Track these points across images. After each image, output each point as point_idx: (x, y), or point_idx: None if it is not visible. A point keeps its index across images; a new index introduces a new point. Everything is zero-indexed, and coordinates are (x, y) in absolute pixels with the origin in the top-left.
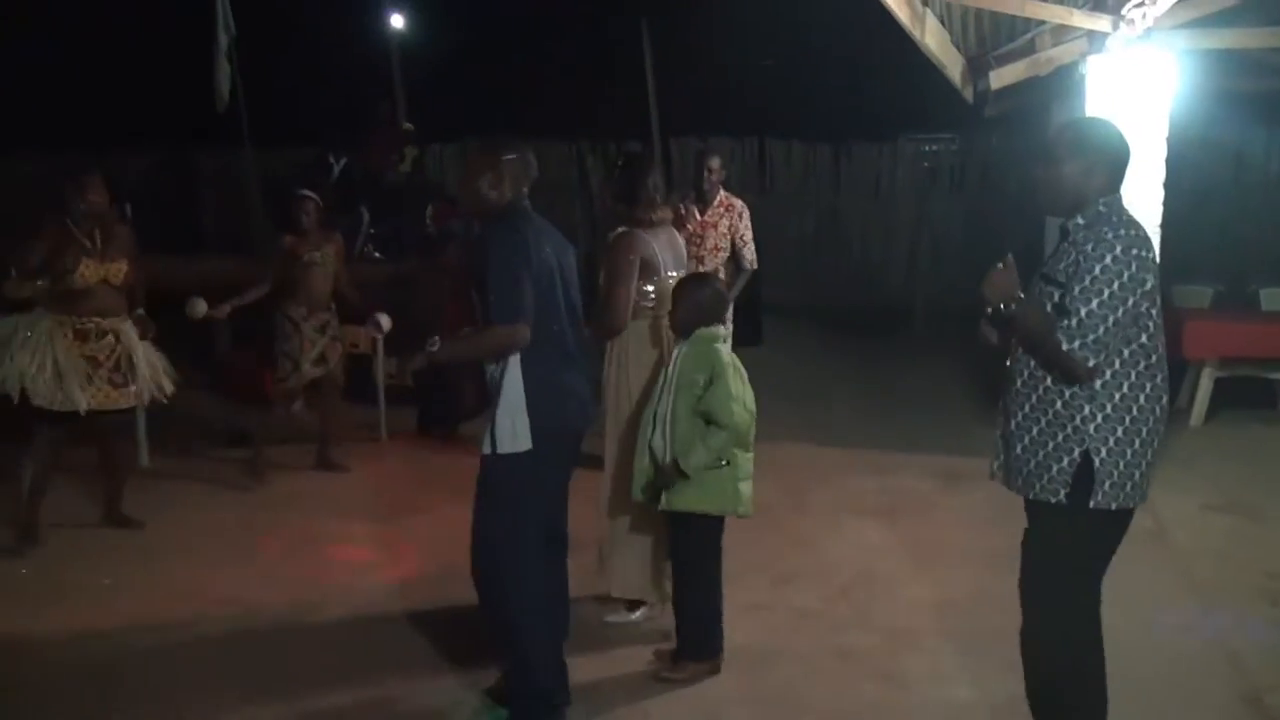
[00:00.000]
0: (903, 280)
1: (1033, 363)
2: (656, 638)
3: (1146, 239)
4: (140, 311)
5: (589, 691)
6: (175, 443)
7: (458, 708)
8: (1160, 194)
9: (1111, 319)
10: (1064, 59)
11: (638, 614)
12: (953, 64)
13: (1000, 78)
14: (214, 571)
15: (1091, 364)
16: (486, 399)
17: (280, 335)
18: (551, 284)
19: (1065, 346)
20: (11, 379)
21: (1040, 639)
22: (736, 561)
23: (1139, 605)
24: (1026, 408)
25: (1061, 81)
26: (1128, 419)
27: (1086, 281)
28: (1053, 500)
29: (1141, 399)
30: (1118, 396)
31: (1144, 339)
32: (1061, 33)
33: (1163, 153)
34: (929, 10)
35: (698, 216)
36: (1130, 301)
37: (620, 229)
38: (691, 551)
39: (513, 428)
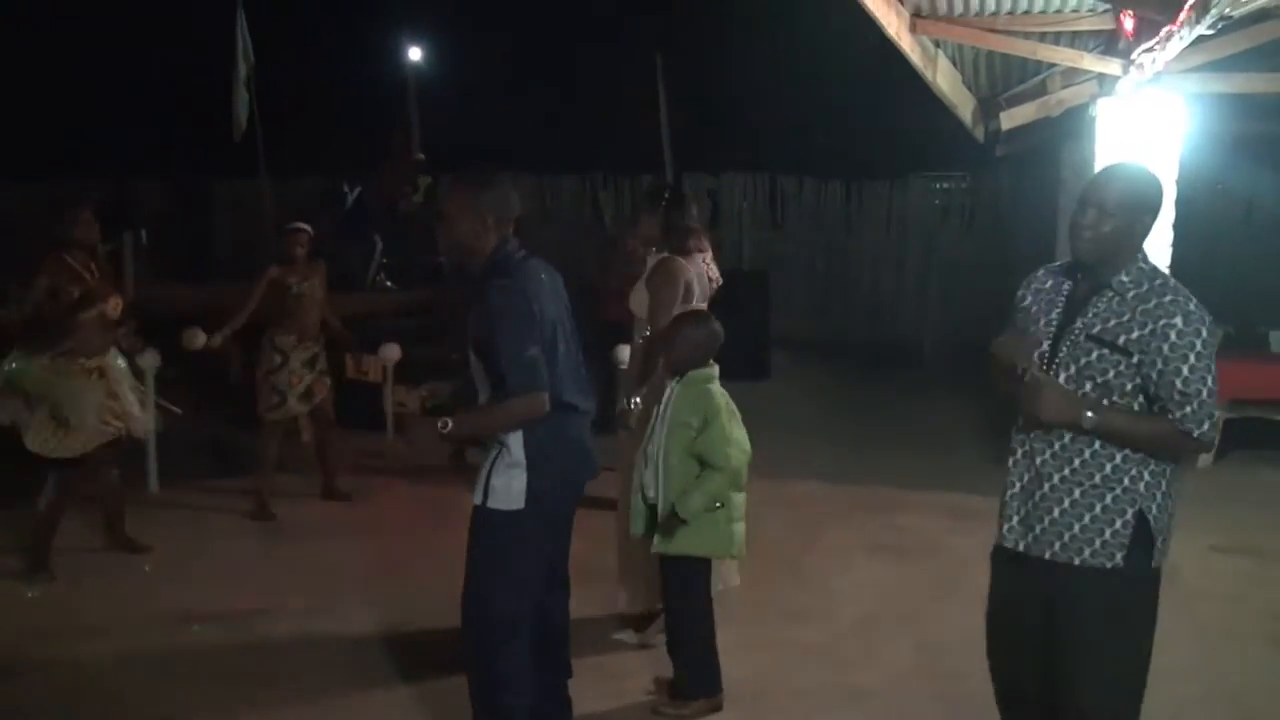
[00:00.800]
0: (912, 317)
1: (1067, 437)
2: (661, 664)
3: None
4: (124, 329)
5: None
6: (184, 470)
7: None
8: (1170, 236)
9: (1215, 389)
10: (1074, 101)
11: (649, 630)
12: (964, 104)
13: (1011, 118)
14: (214, 597)
15: (1214, 438)
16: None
17: (266, 365)
18: (554, 337)
19: (1196, 433)
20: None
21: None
22: (744, 597)
23: None
24: (1067, 470)
25: (1072, 123)
26: (1168, 472)
27: (1193, 360)
28: (1108, 565)
29: None
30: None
31: None
32: (1072, 75)
33: (1173, 196)
34: (941, 52)
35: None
36: (1213, 369)
37: (663, 254)
38: (685, 592)
39: (508, 485)
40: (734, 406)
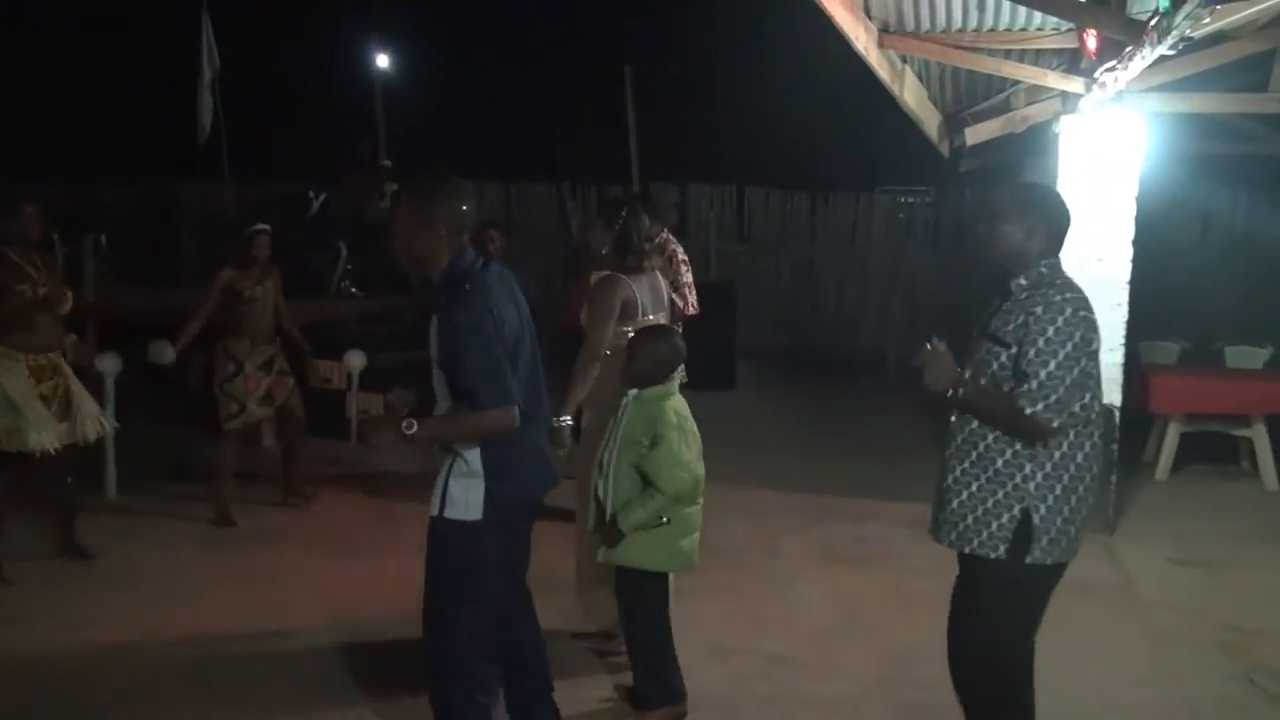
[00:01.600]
0: (876, 329)
1: (974, 421)
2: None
3: (1088, 301)
4: (73, 337)
5: None
6: (143, 475)
7: None
8: (1130, 252)
9: (1069, 379)
10: (1038, 118)
11: (611, 644)
12: (930, 119)
13: (975, 134)
14: (169, 604)
15: (1056, 424)
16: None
17: (221, 374)
18: (515, 347)
19: (1029, 410)
20: None
21: (978, 686)
22: (707, 605)
23: (1102, 656)
24: (966, 464)
25: (1035, 139)
26: (1066, 477)
27: (1041, 344)
28: (991, 556)
29: (1080, 457)
30: (1057, 455)
31: (1086, 398)
32: (1036, 92)
33: (1132, 212)
34: (908, 67)
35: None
36: (1082, 362)
37: (605, 273)
38: (637, 604)
39: (465, 496)
40: (690, 425)
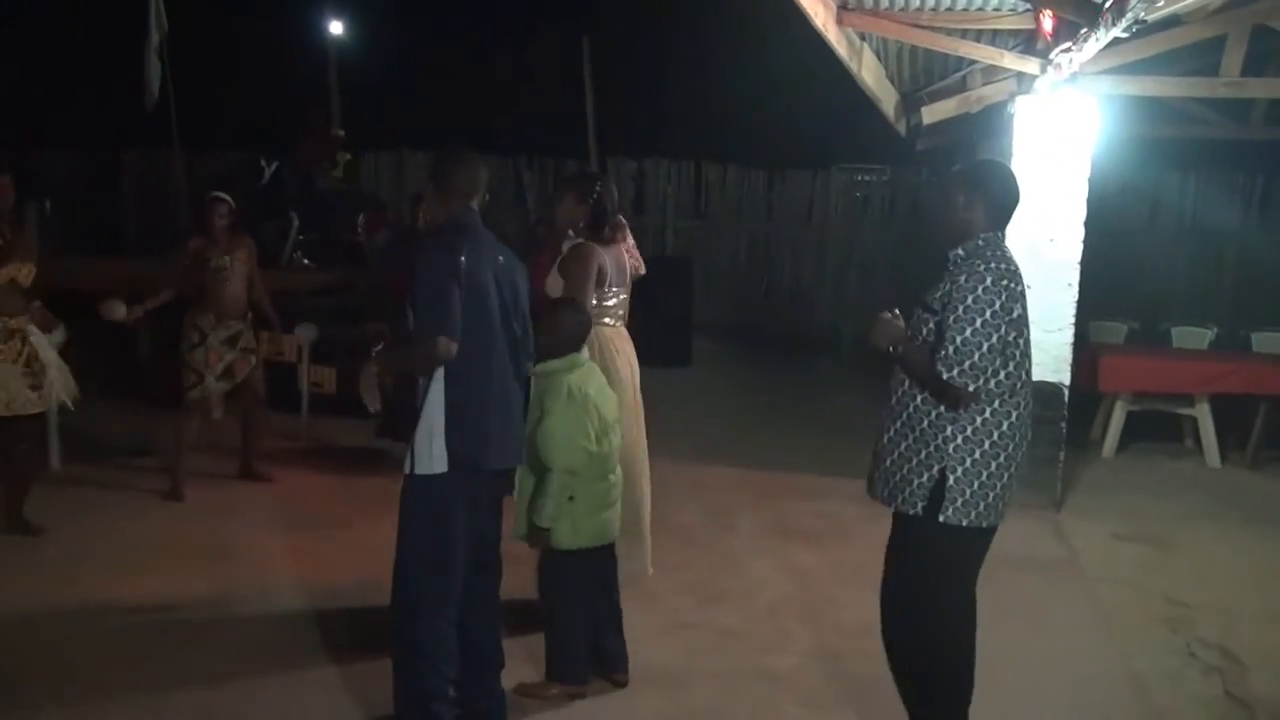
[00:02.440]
0: (832, 306)
1: (906, 383)
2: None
3: (1017, 273)
4: (38, 303)
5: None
6: (90, 447)
7: None
8: (1081, 233)
9: (986, 345)
10: (993, 98)
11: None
12: (887, 98)
13: (932, 113)
14: (116, 577)
15: (971, 389)
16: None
17: (185, 344)
18: (484, 306)
19: (945, 375)
20: None
21: (912, 639)
22: (663, 581)
23: (1048, 630)
24: (898, 423)
25: (990, 119)
26: (987, 443)
27: (960, 311)
28: (910, 512)
29: (1004, 426)
30: (979, 420)
31: (1010, 367)
32: (992, 73)
33: (1084, 193)
34: (866, 45)
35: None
36: (1002, 329)
37: (578, 240)
38: (552, 580)
39: (429, 449)
40: (595, 400)
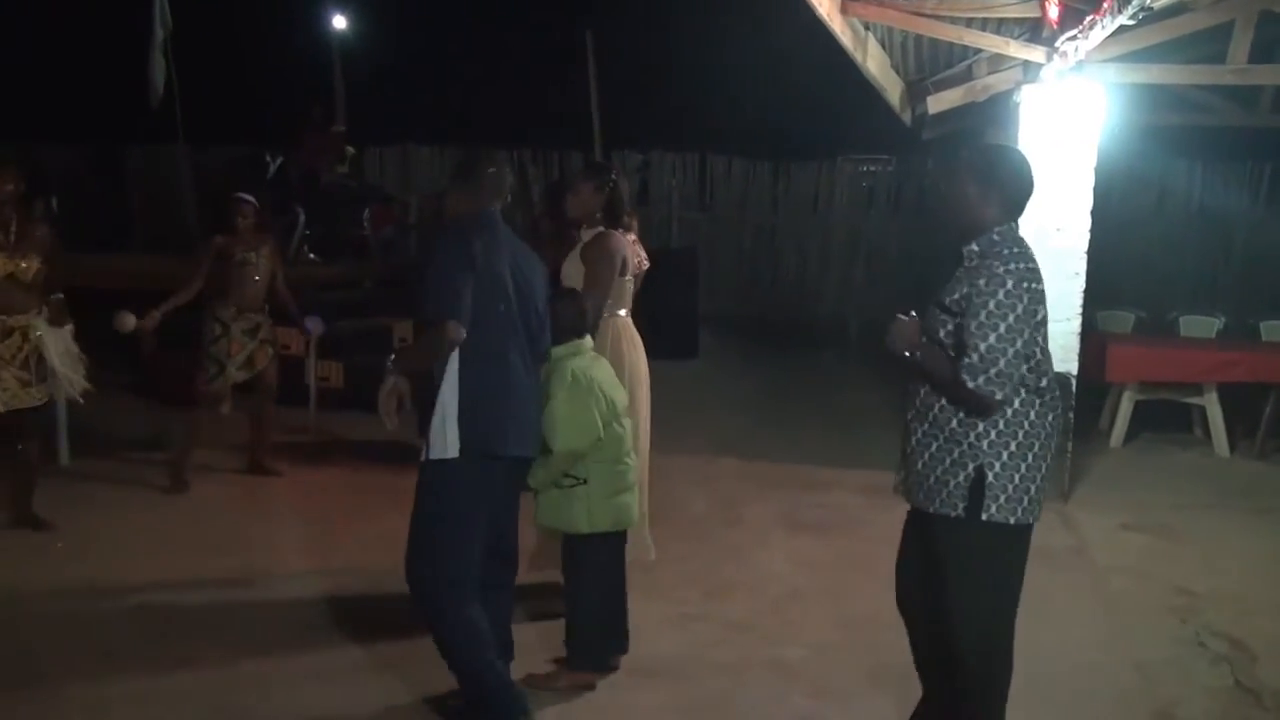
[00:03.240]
0: (837, 297)
1: (928, 383)
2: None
3: (1037, 270)
4: (58, 296)
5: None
6: (98, 443)
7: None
8: (1088, 222)
9: (1011, 351)
10: (999, 87)
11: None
12: (892, 88)
13: (938, 102)
14: (125, 572)
15: (999, 397)
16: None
17: (207, 337)
18: (498, 297)
19: (971, 384)
20: None
21: (955, 646)
22: (668, 573)
23: (1057, 620)
24: (925, 426)
25: (997, 108)
26: (1020, 435)
27: (982, 317)
28: (952, 514)
29: (1032, 416)
30: (1009, 413)
31: (1031, 363)
32: (998, 61)
33: (1091, 182)
34: (871, 35)
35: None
36: (1026, 334)
37: (598, 229)
38: (580, 564)
39: (444, 435)
40: (598, 386)
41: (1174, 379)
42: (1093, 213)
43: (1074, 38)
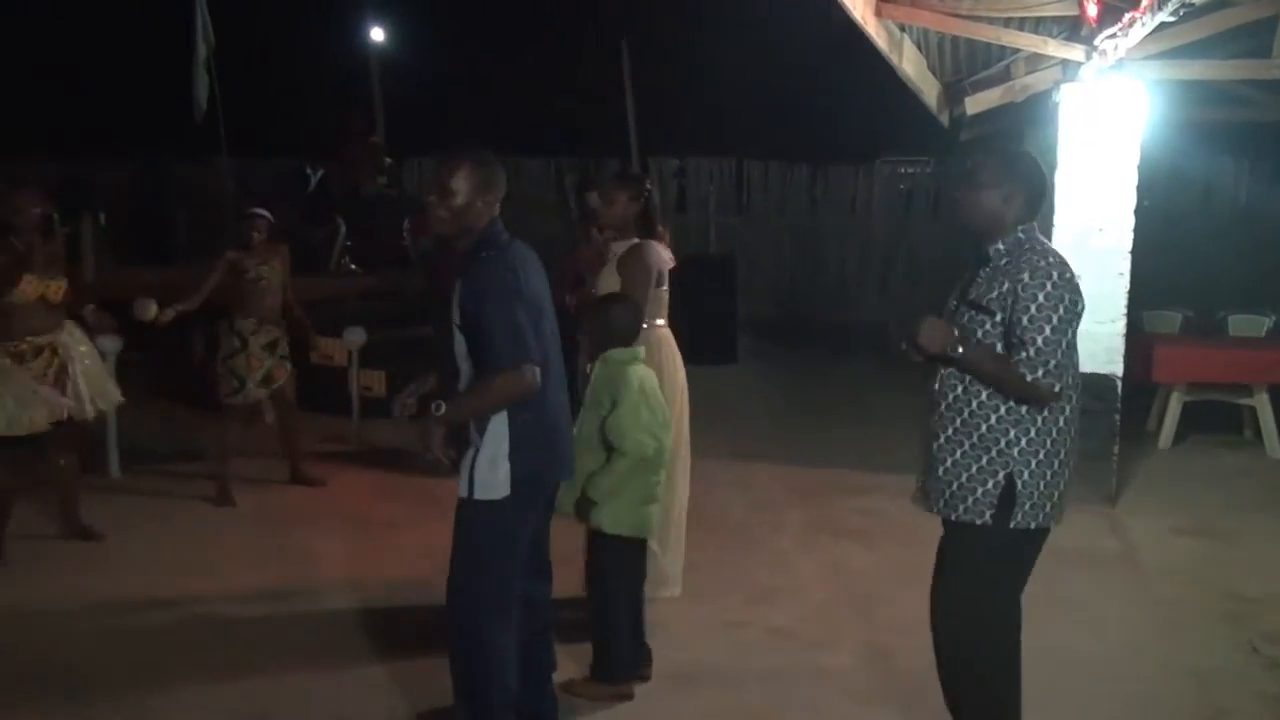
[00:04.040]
0: (877, 301)
1: (960, 387)
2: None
3: (1068, 264)
4: (91, 306)
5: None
6: (147, 455)
7: None
8: (1131, 221)
9: (1064, 343)
10: (1038, 86)
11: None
12: (929, 89)
13: (976, 103)
14: (173, 581)
15: (1058, 389)
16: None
17: (225, 350)
18: (543, 320)
19: (1030, 378)
20: None
21: (962, 654)
22: (710, 579)
23: (1107, 626)
24: (951, 430)
25: (1036, 108)
26: (1049, 442)
27: (1033, 310)
28: (978, 522)
29: (1061, 422)
30: (1040, 420)
31: (1076, 357)
32: (1036, 61)
33: (1134, 180)
34: (906, 37)
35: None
36: (1074, 324)
37: (634, 240)
38: (604, 569)
39: (493, 473)
40: (654, 394)
41: (1223, 379)
42: (1136, 211)
43: (1114, 35)
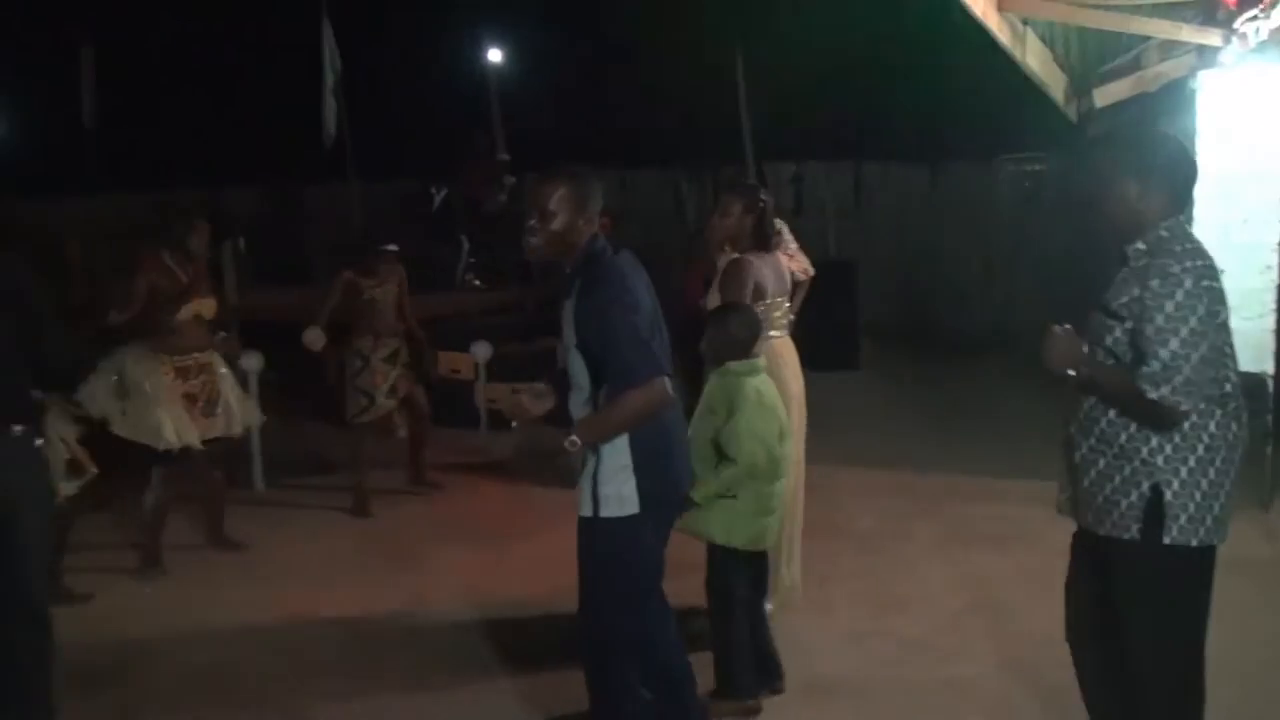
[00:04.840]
0: (1002, 303)
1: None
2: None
3: (1214, 268)
4: (223, 335)
5: None
6: (290, 469)
7: None
8: (1278, 213)
9: (1195, 357)
10: (1173, 74)
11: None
12: (1055, 83)
13: (1105, 95)
14: (314, 591)
15: (1184, 408)
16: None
17: (351, 371)
18: (658, 334)
19: (1153, 395)
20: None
21: (1140, 688)
22: (839, 589)
23: (1259, 637)
24: (1091, 440)
25: (1170, 98)
26: (1200, 448)
27: (1160, 321)
28: (1125, 537)
29: (1212, 427)
30: (1186, 426)
31: (1216, 372)
32: (1169, 48)
33: (1278, 170)
34: (1030, 30)
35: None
36: (1210, 337)
37: (733, 255)
38: (713, 583)
39: (619, 491)
40: (772, 405)
41: None
42: None
43: (1254, 18)
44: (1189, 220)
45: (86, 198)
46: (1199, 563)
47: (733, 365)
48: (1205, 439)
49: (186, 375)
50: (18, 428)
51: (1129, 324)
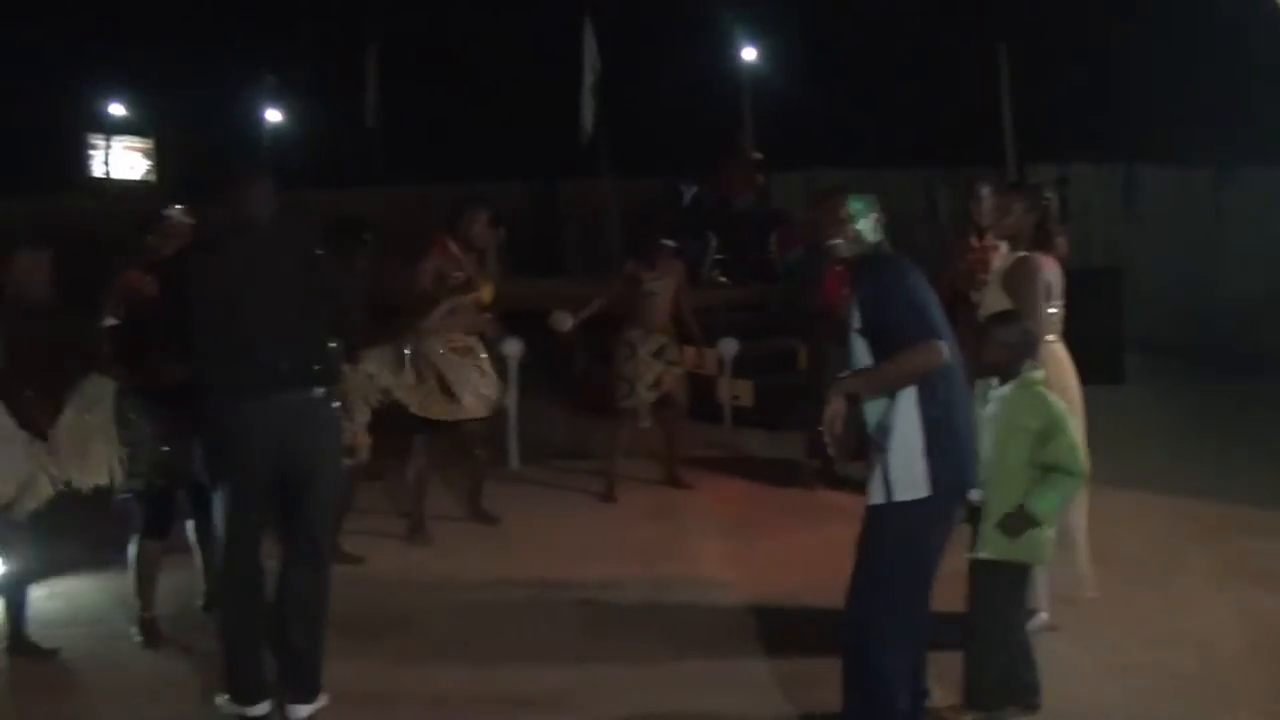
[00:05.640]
0: None
1: None
2: None
3: None
4: (488, 317)
5: None
6: (539, 450)
7: None
8: None
9: None
10: None
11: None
12: None
13: None
14: (566, 566)
15: None
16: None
17: (619, 358)
18: (939, 319)
19: None
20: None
21: None
22: (1105, 617)
23: None
24: None
25: None
26: None
27: None
28: None
29: None
30: None
31: None
32: None
33: None
34: None
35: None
36: None
37: (1021, 253)
38: (995, 599)
39: (910, 473)
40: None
41: None
42: None
43: None
44: None
45: (373, 190)
46: None
47: (1031, 376)
48: None
49: (467, 354)
50: (319, 390)
51: None
